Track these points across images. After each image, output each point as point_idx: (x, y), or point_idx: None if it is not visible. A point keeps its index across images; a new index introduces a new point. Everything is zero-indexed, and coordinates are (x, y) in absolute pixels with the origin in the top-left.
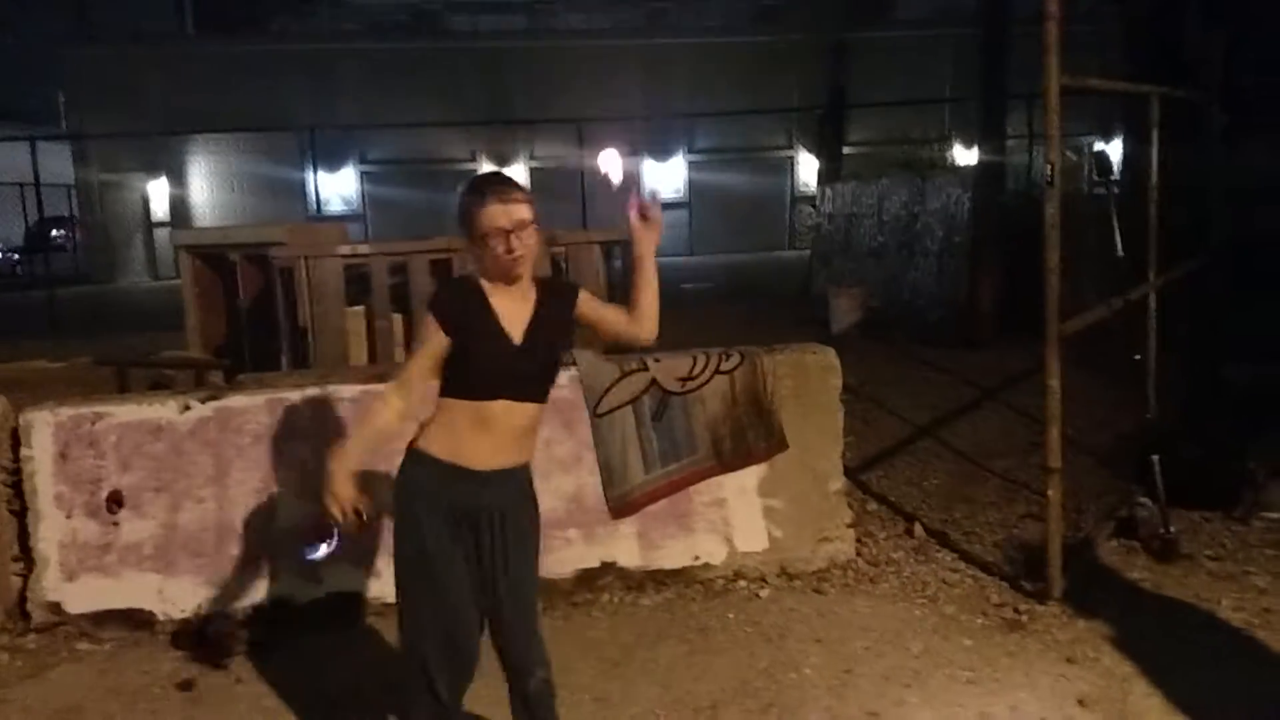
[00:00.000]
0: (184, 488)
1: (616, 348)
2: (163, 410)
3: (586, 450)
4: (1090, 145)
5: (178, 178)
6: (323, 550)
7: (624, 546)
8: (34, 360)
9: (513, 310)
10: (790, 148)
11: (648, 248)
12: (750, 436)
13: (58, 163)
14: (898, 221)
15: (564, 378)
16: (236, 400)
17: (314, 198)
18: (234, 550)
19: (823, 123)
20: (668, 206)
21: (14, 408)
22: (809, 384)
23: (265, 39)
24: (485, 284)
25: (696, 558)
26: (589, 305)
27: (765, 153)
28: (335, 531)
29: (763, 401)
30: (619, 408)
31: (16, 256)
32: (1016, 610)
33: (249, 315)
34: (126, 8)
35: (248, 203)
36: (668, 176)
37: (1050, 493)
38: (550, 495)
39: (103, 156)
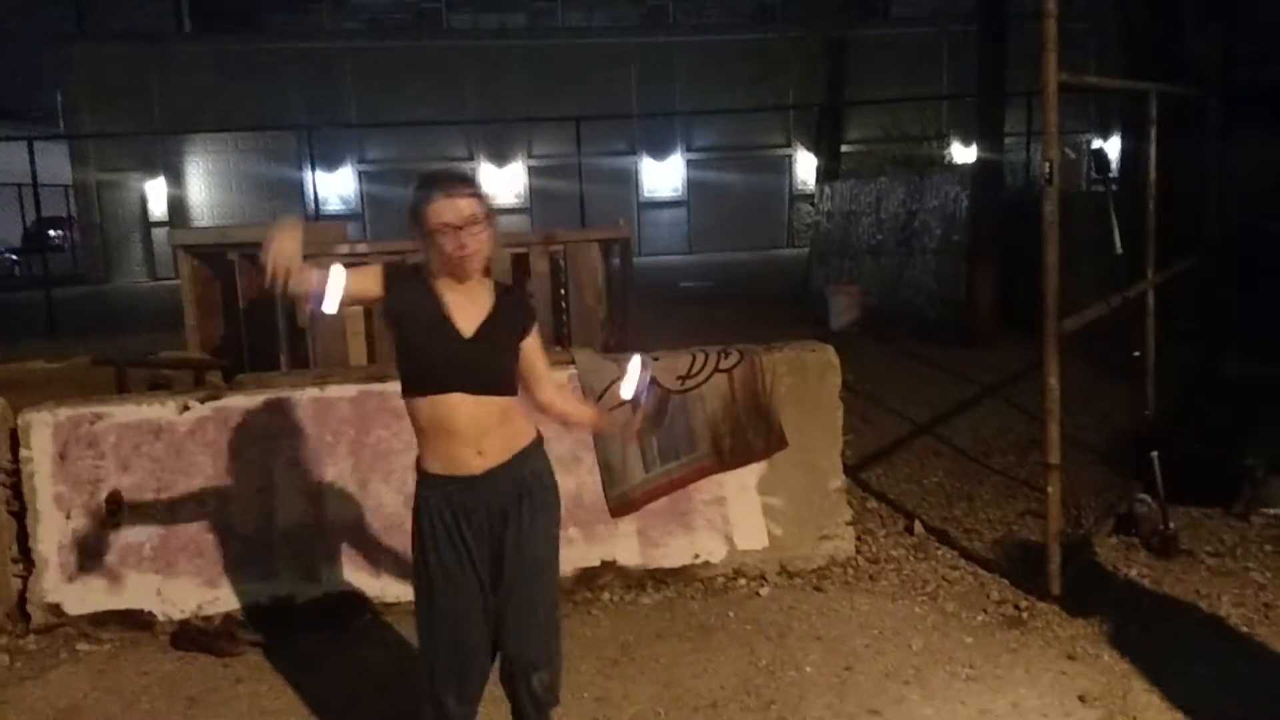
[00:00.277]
0: (183, 488)
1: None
2: (162, 410)
3: (586, 449)
4: (1088, 143)
5: (176, 177)
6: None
7: (624, 545)
8: (32, 360)
9: (463, 305)
10: (788, 146)
11: (593, 429)
12: (750, 435)
13: (56, 163)
14: (896, 219)
15: (563, 376)
16: (236, 400)
17: (312, 197)
18: (233, 550)
19: (821, 121)
20: (666, 205)
21: (13, 408)
22: (808, 382)
23: (263, 38)
24: (435, 279)
25: (696, 556)
26: (533, 340)
27: (763, 151)
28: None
29: (762, 400)
30: (618, 406)
31: (14, 257)
32: (1017, 607)
33: (247, 315)
34: (124, 7)
35: (246, 202)
36: (666, 175)
37: (1050, 489)
38: None
39: (101, 156)
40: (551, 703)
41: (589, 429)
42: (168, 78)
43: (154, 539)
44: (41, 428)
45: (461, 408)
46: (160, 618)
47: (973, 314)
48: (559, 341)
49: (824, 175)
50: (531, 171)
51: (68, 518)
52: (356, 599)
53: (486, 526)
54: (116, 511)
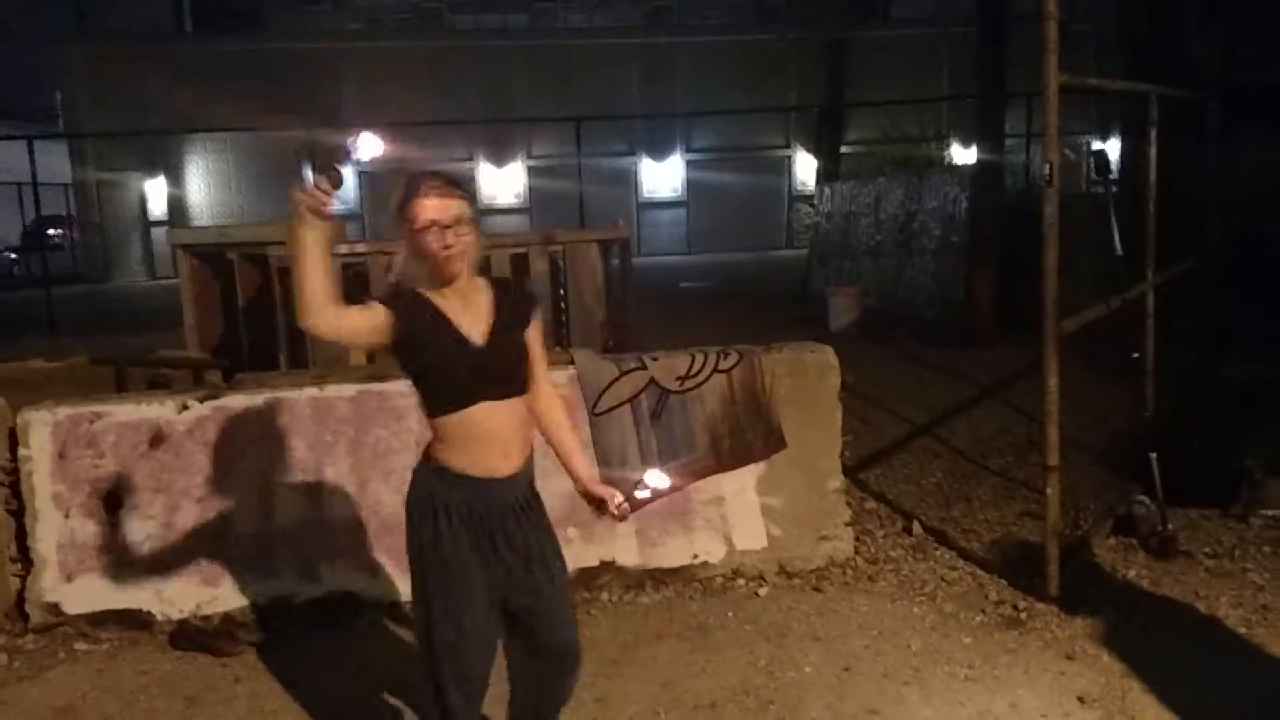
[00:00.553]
0: (182, 487)
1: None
2: (161, 410)
3: (585, 449)
4: (1088, 144)
5: (175, 177)
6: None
7: (623, 545)
8: (31, 359)
9: (465, 311)
10: (788, 147)
11: (582, 485)
12: (749, 435)
13: (55, 161)
14: (895, 220)
15: (563, 376)
16: (235, 400)
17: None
18: (232, 550)
19: (820, 122)
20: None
21: (12, 407)
22: (807, 383)
23: (264, 37)
24: (427, 291)
25: (695, 556)
26: (534, 331)
27: (763, 152)
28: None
29: (761, 400)
30: (617, 407)
31: (14, 255)
32: (1015, 608)
33: (247, 315)
34: (124, 7)
35: (245, 202)
36: (665, 175)
37: (1048, 490)
38: (549, 494)
39: (100, 155)
40: (575, 674)
41: (578, 481)
42: (168, 77)
43: (153, 538)
44: (40, 426)
45: (490, 416)
46: (159, 617)
47: (972, 315)
48: (558, 342)
49: (823, 176)
50: (531, 171)
51: (66, 517)
52: (355, 598)
53: (504, 526)
54: (115, 511)
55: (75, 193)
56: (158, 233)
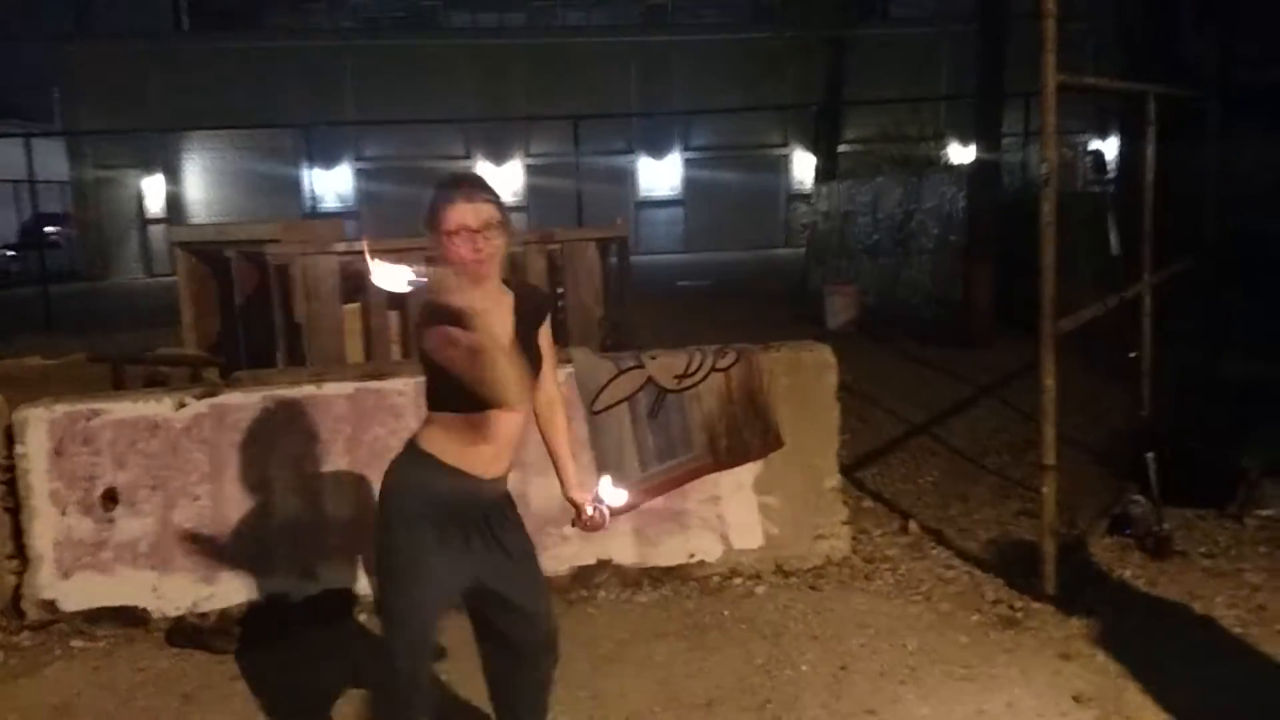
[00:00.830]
0: (179, 485)
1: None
2: (158, 407)
3: (582, 448)
4: (1086, 144)
5: (173, 175)
6: None
7: (620, 544)
8: (28, 357)
9: (493, 315)
10: (786, 145)
11: (568, 492)
12: (746, 434)
13: (53, 159)
14: (893, 219)
15: (561, 375)
16: (232, 398)
17: (309, 194)
18: (229, 547)
19: (818, 120)
20: (664, 204)
21: (9, 405)
22: (805, 382)
23: (261, 35)
24: (456, 295)
25: (692, 555)
26: (545, 331)
27: (761, 150)
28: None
29: (759, 399)
30: (615, 405)
31: (11, 253)
32: (1012, 607)
33: (244, 312)
34: (123, 5)
35: (243, 200)
36: (663, 174)
37: (1045, 490)
38: (546, 493)
39: (98, 153)
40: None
41: (565, 488)
42: (165, 75)
43: (149, 536)
44: (37, 424)
45: (499, 418)
46: (155, 614)
47: (969, 314)
48: (556, 340)
49: (821, 175)
50: (529, 170)
51: (63, 514)
52: (352, 597)
53: (485, 522)
54: (112, 508)
55: (73, 190)
56: (155, 230)
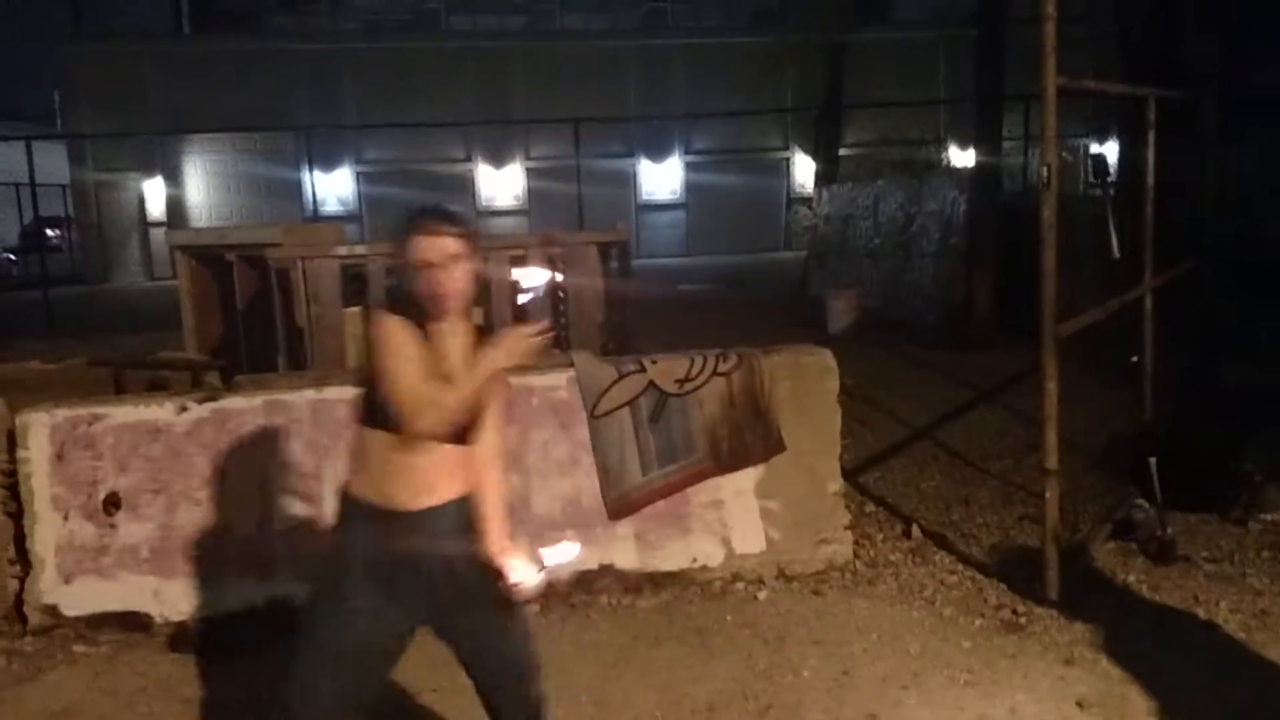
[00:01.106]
0: (181, 489)
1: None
2: (160, 412)
3: (584, 452)
4: (1086, 147)
5: (174, 178)
6: None
7: (621, 548)
8: (29, 361)
9: (445, 350)
10: (786, 149)
11: (497, 547)
12: (748, 438)
13: (53, 162)
14: (894, 223)
15: (562, 379)
16: (233, 402)
17: (310, 198)
18: (231, 552)
19: (819, 124)
20: (665, 208)
21: (10, 409)
22: (806, 385)
23: (262, 38)
24: (417, 321)
25: (694, 560)
26: (499, 384)
27: (762, 154)
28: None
29: (760, 403)
30: (617, 409)
31: (12, 256)
32: (1014, 612)
33: (245, 316)
34: (123, 7)
35: (244, 203)
36: (664, 177)
37: (1048, 494)
38: (548, 497)
39: (99, 156)
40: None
41: (490, 545)
42: (166, 77)
43: (151, 540)
44: (39, 428)
45: (423, 449)
46: (158, 619)
47: (970, 318)
48: (557, 344)
49: (822, 178)
50: (530, 173)
51: (65, 519)
52: None
53: (425, 569)
54: (114, 513)
55: (73, 193)
56: (156, 234)
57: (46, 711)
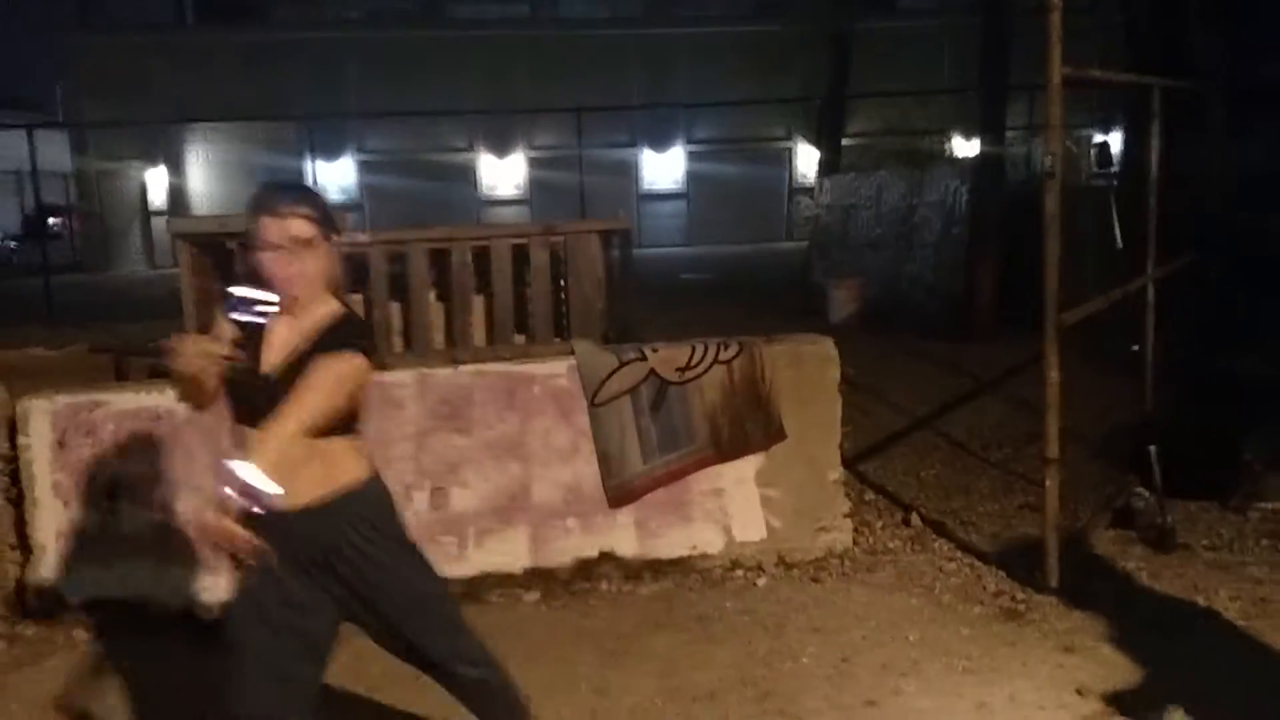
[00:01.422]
0: (182, 476)
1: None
2: (160, 399)
3: (584, 440)
4: (1090, 137)
5: (176, 166)
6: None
7: (622, 536)
8: (31, 348)
9: (282, 338)
10: (789, 138)
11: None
12: (748, 426)
13: (55, 151)
14: (896, 213)
15: (562, 367)
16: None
17: (312, 187)
18: None
19: (822, 113)
20: (667, 197)
21: (11, 396)
22: (807, 374)
23: (265, 27)
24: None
25: (694, 547)
26: (317, 365)
27: (764, 143)
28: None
29: (761, 391)
30: (617, 397)
31: (13, 244)
32: (1014, 599)
33: None
34: None
35: (246, 192)
36: (666, 166)
37: (1048, 483)
38: (548, 485)
39: (100, 145)
40: (501, 689)
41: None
42: (168, 66)
43: (152, 527)
44: (40, 415)
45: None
46: (158, 605)
47: (972, 307)
48: (558, 333)
49: (824, 168)
50: (532, 162)
51: (66, 505)
52: None
53: (319, 567)
54: (114, 499)
55: (75, 182)
56: (158, 222)
57: (47, 697)
